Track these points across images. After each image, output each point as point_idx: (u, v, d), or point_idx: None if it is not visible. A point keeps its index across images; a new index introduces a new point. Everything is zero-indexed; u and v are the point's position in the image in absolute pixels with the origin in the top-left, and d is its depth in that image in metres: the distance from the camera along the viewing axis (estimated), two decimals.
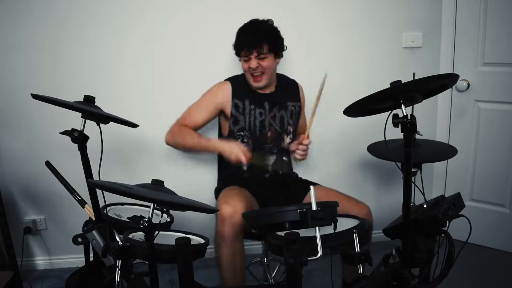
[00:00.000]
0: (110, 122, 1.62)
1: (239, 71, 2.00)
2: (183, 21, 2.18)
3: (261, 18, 1.87)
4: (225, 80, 1.98)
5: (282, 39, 1.88)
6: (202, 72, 2.23)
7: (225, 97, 1.91)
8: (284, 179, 1.97)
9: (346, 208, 1.69)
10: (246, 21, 1.87)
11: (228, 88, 1.92)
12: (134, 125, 1.72)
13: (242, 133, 1.91)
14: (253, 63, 1.81)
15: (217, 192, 1.96)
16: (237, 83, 1.94)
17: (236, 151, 1.76)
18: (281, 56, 1.92)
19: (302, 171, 2.16)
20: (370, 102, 1.29)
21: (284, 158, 1.99)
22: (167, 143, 1.95)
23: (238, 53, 1.88)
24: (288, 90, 2.01)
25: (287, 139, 1.98)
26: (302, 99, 2.06)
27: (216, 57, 2.22)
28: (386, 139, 1.35)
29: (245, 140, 1.92)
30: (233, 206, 1.57)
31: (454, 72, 2.35)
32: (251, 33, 1.81)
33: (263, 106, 1.93)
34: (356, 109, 1.37)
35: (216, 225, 1.61)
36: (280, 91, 1.98)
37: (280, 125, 1.96)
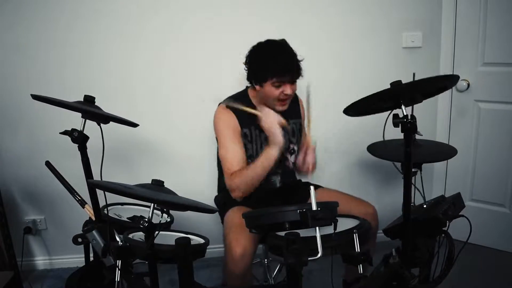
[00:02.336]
0: (110, 122, 1.62)
1: (237, 77, 1.89)
2: (188, 23, 2.18)
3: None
4: (224, 106, 1.78)
5: None
6: (202, 72, 2.24)
7: (236, 126, 1.76)
8: (287, 184, 1.93)
9: (351, 208, 1.67)
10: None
11: (233, 117, 1.76)
12: (134, 125, 1.72)
13: (250, 160, 1.79)
14: (289, 89, 1.67)
15: (219, 203, 1.91)
16: (239, 110, 1.76)
17: (275, 125, 1.63)
18: None
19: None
20: (371, 102, 1.29)
21: (290, 166, 1.93)
22: (242, 197, 1.72)
23: (262, 80, 1.68)
24: (290, 106, 1.85)
25: (291, 158, 1.90)
26: (302, 114, 1.96)
27: (216, 57, 2.22)
28: (386, 139, 1.35)
29: None
30: (244, 247, 1.52)
31: (454, 72, 2.36)
32: (288, 57, 1.66)
33: None
34: (356, 109, 1.37)
35: (226, 261, 1.58)
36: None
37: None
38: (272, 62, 1.64)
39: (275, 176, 1.87)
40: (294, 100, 1.91)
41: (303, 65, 1.70)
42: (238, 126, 1.76)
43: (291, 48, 1.70)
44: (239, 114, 1.76)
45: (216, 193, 2.03)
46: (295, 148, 1.90)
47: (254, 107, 1.77)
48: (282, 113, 1.75)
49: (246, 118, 1.76)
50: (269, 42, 1.71)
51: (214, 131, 1.82)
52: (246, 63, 1.75)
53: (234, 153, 1.73)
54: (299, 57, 1.69)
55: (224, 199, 1.86)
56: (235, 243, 1.53)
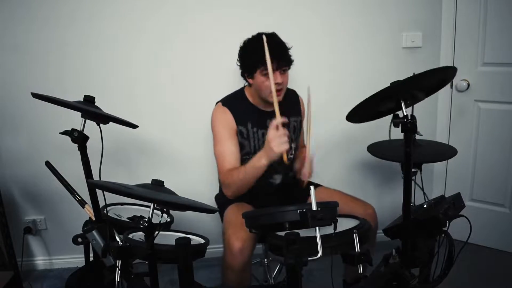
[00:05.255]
0: (110, 122, 1.62)
1: (235, 77, 1.90)
2: (188, 24, 2.18)
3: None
4: (222, 105, 1.81)
5: None
6: (202, 72, 2.24)
7: (232, 124, 1.78)
8: (287, 183, 1.94)
9: (351, 208, 1.68)
10: (250, 30, 1.76)
11: (230, 116, 1.78)
12: (134, 126, 1.72)
13: (247, 157, 1.80)
14: (280, 77, 1.66)
15: (220, 201, 1.92)
16: (235, 107, 1.79)
17: (278, 147, 1.52)
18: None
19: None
20: (372, 103, 1.29)
21: (290, 174, 1.94)
22: (233, 197, 1.73)
23: (252, 70, 1.70)
24: (291, 104, 1.89)
25: (289, 156, 1.91)
26: (302, 112, 1.96)
27: (216, 57, 2.22)
28: (386, 139, 1.35)
29: None
30: (243, 241, 1.53)
31: None
32: (278, 47, 1.67)
33: (265, 125, 1.79)
34: (359, 113, 1.37)
35: (224, 256, 1.59)
36: (283, 106, 1.78)
37: None
38: (259, 51, 1.61)
39: (276, 174, 1.87)
40: (295, 99, 1.94)
41: (299, 59, 1.73)
42: (234, 124, 1.78)
43: (278, 38, 1.73)
44: (235, 112, 1.78)
45: (216, 193, 2.04)
46: (293, 145, 1.91)
47: (250, 107, 1.80)
48: (283, 111, 1.71)
49: (242, 116, 1.78)
50: (257, 35, 1.74)
51: (211, 129, 1.83)
52: (238, 59, 1.79)
53: (228, 151, 1.74)
54: (288, 46, 1.72)
55: (225, 197, 1.85)
56: (234, 237, 1.54)
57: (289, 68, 1.74)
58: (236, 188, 1.68)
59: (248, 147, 1.82)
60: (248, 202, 1.80)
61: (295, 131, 1.91)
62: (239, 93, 1.86)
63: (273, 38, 1.70)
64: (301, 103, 1.97)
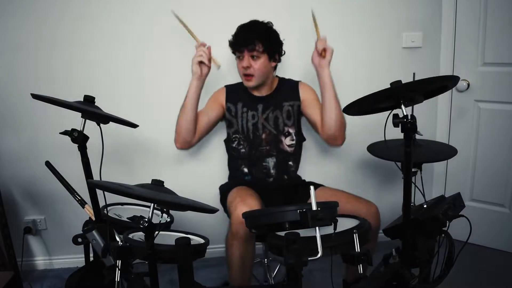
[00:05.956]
0: (110, 122, 1.62)
1: (236, 71, 1.97)
2: (188, 23, 2.17)
3: (260, 19, 1.87)
4: (224, 86, 2.03)
5: (279, 43, 1.87)
6: None
7: (222, 101, 1.97)
8: (288, 183, 1.96)
9: (354, 207, 1.68)
10: (245, 21, 1.87)
11: (222, 93, 1.98)
12: (134, 125, 1.72)
13: (237, 135, 1.94)
14: (245, 62, 1.82)
15: (224, 189, 1.97)
16: (233, 88, 2.00)
17: (195, 59, 1.81)
18: (278, 60, 1.90)
19: (303, 172, 2.15)
20: (370, 101, 1.29)
21: (290, 163, 1.97)
22: (180, 145, 1.94)
23: (234, 52, 1.88)
24: (286, 91, 1.97)
25: (287, 141, 1.94)
26: (304, 95, 1.96)
27: (218, 56, 2.21)
28: (387, 139, 1.35)
29: (241, 143, 1.94)
30: (250, 206, 1.55)
31: (454, 72, 2.36)
32: (245, 31, 1.82)
33: (256, 108, 1.93)
34: (356, 108, 1.37)
35: (230, 224, 1.60)
36: (277, 93, 1.96)
37: (274, 127, 1.93)
38: (236, 35, 1.84)
39: (269, 157, 1.92)
40: (291, 86, 2.00)
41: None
42: (223, 100, 1.97)
43: (263, 26, 1.84)
44: (230, 91, 1.98)
45: (216, 192, 2.06)
46: (290, 130, 1.95)
47: (245, 91, 1.95)
48: (276, 95, 1.95)
49: (235, 95, 1.96)
50: (249, 21, 1.87)
51: None
52: None
53: (200, 118, 1.91)
54: (282, 38, 1.87)
55: (228, 186, 1.94)
56: (242, 203, 1.57)
57: (273, 59, 1.86)
58: (179, 126, 1.87)
59: (236, 125, 1.94)
60: (250, 186, 1.86)
61: (290, 116, 1.94)
62: (239, 84, 1.98)
63: (251, 24, 1.84)
64: (301, 88, 1.99)
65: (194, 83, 1.83)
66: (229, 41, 1.87)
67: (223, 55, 2.00)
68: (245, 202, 1.58)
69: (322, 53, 1.76)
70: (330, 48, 1.76)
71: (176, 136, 1.91)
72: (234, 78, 2.03)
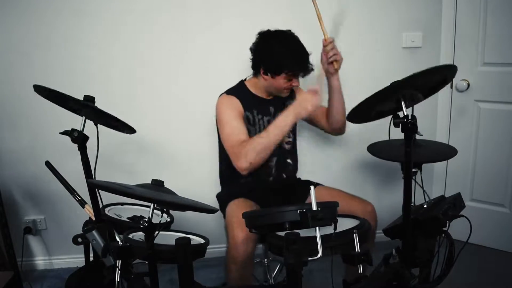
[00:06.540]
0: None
1: (237, 73, 1.96)
2: (188, 22, 2.18)
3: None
4: (226, 94, 1.85)
5: None
6: (201, 72, 2.24)
7: (242, 112, 1.81)
8: (287, 182, 1.96)
9: (350, 206, 1.68)
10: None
11: (237, 101, 1.81)
12: (132, 131, 1.71)
13: None
14: (297, 82, 1.78)
15: (221, 200, 1.93)
16: (241, 95, 1.83)
17: (311, 99, 1.62)
18: None
19: (302, 171, 2.15)
20: (372, 103, 1.29)
21: (289, 160, 1.96)
22: (248, 169, 1.65)
23: (278, 71, 1.73)
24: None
25: (286, 138, 1.94)
26: (297, 94, 1.95)
27: (216, 58, 2.22)
28: (386, 139, 1.35)
29: None
30: (247, 231, 1.49)
31: None
32: (305, 56, 1.73)
33: (269, 112, 1.88)
34: (359, 113, 1.37)
35: (228, 249, 1.59)
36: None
37: None
38: (290, 56, 1.68)
39: (273, 156, 1.87)
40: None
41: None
42: (241, 109, 1.80)
43: (301, 42, 1.76)
44: (242, 98, 1.81)
45: (216, 192, 2.04)
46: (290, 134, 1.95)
47: (254, 96, 1.85)
48: (279, 99, 1.87)
49: (248, 103, 1.82)
50: (280, 33, 1.75)
51: (216, 120, 1.85)
52: (253, 51, 1.79)
53: (239, 126, 1.73)
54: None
55: (226, 195, 1.88)
56: (238, 228, 1.54)
57: None
58: (256, 153, 1.61)
59: (253, 133, 1.82)
60: (250, 198, 1.81)
61: None
62: (240, 85, 1.90)
63: (299, 43, 1.74)
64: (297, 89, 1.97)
65: (293, 120, 1.63)
66: (279, 63, 1.71)
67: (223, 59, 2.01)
68: (242, 228, 1.50)
69: (333, 63, 1.76)
70: (340, 59, 1.76)
71: (250, 166, 1.64)
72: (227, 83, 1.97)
